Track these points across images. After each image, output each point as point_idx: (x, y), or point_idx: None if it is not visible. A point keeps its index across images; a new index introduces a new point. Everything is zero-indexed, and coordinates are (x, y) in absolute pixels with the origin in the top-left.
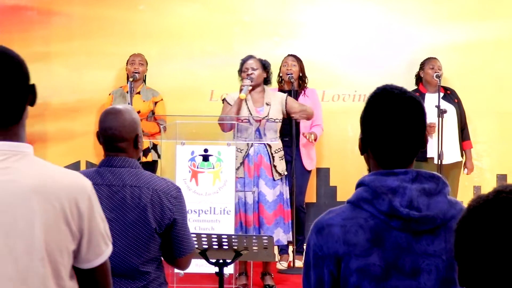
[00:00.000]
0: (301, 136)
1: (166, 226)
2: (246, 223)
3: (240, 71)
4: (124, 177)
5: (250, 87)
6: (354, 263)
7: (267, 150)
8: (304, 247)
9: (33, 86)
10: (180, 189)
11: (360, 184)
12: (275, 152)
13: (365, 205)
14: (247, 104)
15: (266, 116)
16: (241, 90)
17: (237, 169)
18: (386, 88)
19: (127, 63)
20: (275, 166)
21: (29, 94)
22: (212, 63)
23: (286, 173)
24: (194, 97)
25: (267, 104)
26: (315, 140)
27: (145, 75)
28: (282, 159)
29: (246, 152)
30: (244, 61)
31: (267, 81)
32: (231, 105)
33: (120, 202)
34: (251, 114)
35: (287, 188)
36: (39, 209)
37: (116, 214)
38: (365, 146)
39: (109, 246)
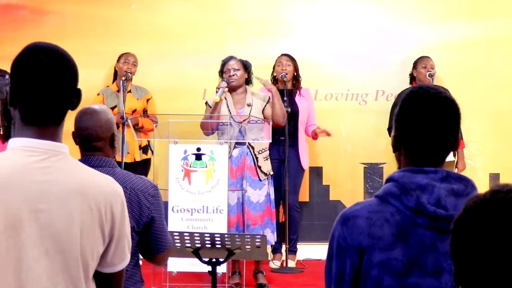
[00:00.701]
0: (299, 134)
1: (144, 224)
2: (228, 224)
3: (221, 72)
4: None
5: (226, 89)
6: (377, 256)
7: (250, 151)
8: (297, 246)
9: (79, 90)
10: (157, 187)
11: (389, 180)
12: (259, 153)
13: (392, 200)
14: (227, 106)
15: (247, 118)
16: (216, 92)
17: None
18: (422, 87)
19: (118, 61)
20: (259, 167)
21: (74, 98)
22: (205, 61)
23: (272, 173)
24: (187, 96)
25: (248, 105)
26: (315, 139)
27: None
28: (267, 159)
29: (229, 153)
30: (225, 62)
31: (248, 81)
32: (211, 107)
33: None
34: (231, 116)
35: (273, 188)
36: (78, 210)
37: None
38: (398, 144)
39: (130, 251)
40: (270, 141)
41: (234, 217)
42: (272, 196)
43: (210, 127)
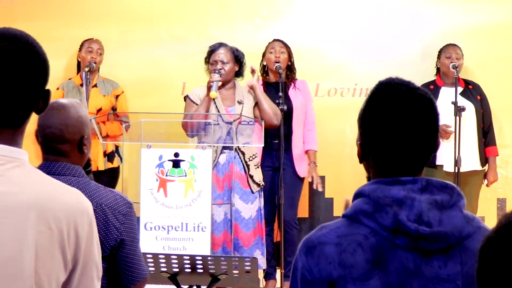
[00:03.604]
0: (293, 136)
1: (111, 247)
2: (212, 245)
3: (208, 61)
4: None
5: (220, 83)
6: None
7: (240, 158)
8: None
9: (47, 92)
10: (131, 205)
11: (358, 195)
12: (249, 160)
13: (364, 219)
14: (215, 103)
15: (238, 118)
16: (209, 87)
17: None
18: (390, 83)
19: (80, 50)
20: (251, 176)
21: (40, 98)
22: (183, 50)
23: (263, 183)
24: (162, 91)
25: (239, 103)
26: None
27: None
28: (258, 167)
29: (215, 160)
30: (212, 50)
31: (238, 74)
32: (196, 103)
33: None
34: (220, 114)
35: (263, 201)
36: (33, 230)
37: None
38: (365, 153)
39: (100, 281)
40: (263, 144)
41: (220, 236)
42: (263, 211)
43: (195, 128)
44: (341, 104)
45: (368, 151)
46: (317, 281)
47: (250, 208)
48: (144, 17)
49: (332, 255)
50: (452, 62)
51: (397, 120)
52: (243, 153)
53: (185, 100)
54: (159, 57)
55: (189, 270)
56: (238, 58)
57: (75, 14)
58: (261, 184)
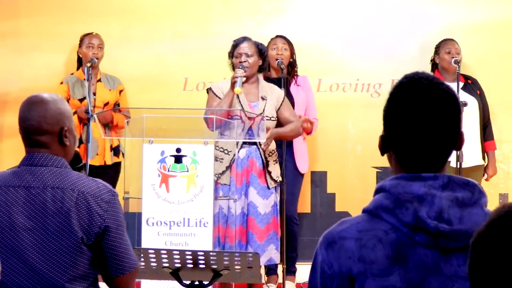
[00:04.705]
0: None
1: (95, 235)
2: (227, 237)
3: (232, 55)
4: (45, 178)
5: (244, 78)
6: (371, 285)
7: (260, 153)
8: (297, 266)
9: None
10: (116, 194)
11: (379, 190)
12: (269, 155)
13: (385, 214)
14: (238, 98)
15: (261, 113)
16: (234, 83)
17: (222, 173)
18: (414, 77)
19: (80, 45)
20: (269, 172)
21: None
22: (185, 46)
23: (280, 179)
24: (164, 87)
25: (263, 98)
26: (309, 133)
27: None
28: (276, 163)
29: (234, 154)
30: (237, 44)
31: (262, 69)
32: (219, 97)
33: (40, 207)
34: (244, 110)
35: (279, 196)
36: None
37: (35, 222)
38: (386, 146)
39: None
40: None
41: (236, 229)
42: (279, 207)
43: (220, 122)
44: (343, 100)
45: (389, 143)
46: (337, 275)
47: (265, 204)
48: (147, 12)
49: (352, 250)
50: (453, 57)
51: (418, 114)
52: (263, 148)
53: (207, 93)
54: (162, 53)
55: (191, 266)
56: (261, 52)
57: (77, 10)
58: (278, 180)
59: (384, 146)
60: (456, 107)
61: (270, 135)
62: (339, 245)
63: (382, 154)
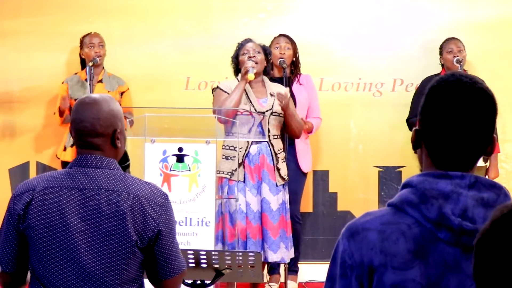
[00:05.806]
0: None
1: (149, 239)
2: (251, 234)
3: (236, 56)
4: (99, 180)
5: (255, 70)
6: (390, 277)
7: (270, 150)
8: (299, 265)
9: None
10: (167, 196)
11: (406, 185)
12: (278, 153)
13: (410, 209)
14: (247, 95)
15: (270, 109)
16: (246, 71)
17: (235, 170)
18: (454, 75)
19: (81, 47)
20: (278, 169)
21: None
22: (187, 45)
23: (288, 178)
24: (166, 86)
25: (271, 95)
26: (309, 132)
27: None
28: (284, 161)
29: (246, 150)
30: (242, 44)
31: (266, 71)
32: (227, 93)
33: (94, 210)
34: (253, 106)
35: (288, 195)
36: None
37: (89, 224)
38: (419, 140)
39: None
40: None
41: (256, 225)
42: (287, 205)
43: (231, 115)
44: (345, 99)
45: (422, 138)
46: (358, 265)
47: (275, 200)
48: (148, 11)
49: (374, 241)
50: (455, 57)
51: (457, 112)
52: (273, 145)
53: (213, 92)
54: (163, 52)
55: (193, 265)
56: (267, 53)
57: (78, 9)
58: (286, 179)
59: (417, 140)
60: (492, 110)
61: (288, 98)
62: (362, 236)
63: (414, 149)
